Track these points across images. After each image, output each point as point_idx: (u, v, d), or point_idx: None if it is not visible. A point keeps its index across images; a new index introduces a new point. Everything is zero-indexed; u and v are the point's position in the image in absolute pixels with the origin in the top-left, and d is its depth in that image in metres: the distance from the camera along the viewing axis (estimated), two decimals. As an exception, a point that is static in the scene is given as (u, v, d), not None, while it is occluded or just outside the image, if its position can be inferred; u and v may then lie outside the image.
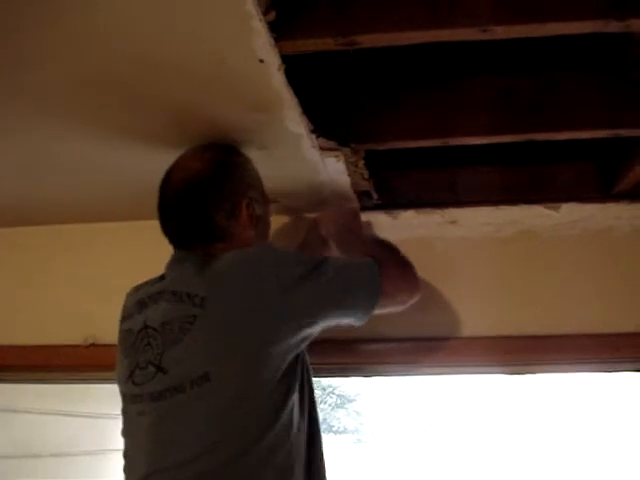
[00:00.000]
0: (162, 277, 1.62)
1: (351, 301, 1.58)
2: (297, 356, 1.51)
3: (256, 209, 1.65)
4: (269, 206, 1.77)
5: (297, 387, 1.50)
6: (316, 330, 1.54)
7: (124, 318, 1.65)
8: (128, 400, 1.56)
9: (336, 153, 1.76)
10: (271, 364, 1.43)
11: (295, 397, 1.49)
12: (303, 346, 1.53)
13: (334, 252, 1.93)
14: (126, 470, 1.53)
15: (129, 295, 1.68)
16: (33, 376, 2.43)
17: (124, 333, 1.62)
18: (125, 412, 1.57)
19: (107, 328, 2.17)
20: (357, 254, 1.74)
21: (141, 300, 1.60)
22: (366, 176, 1.93)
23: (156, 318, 1.52)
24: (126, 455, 1.55)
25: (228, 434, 1.40)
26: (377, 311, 1.63)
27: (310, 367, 1.63)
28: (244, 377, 1.42)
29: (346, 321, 1.62)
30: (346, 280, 1.57)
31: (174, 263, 1.62)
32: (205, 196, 1.59)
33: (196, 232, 1.59)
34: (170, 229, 1.62)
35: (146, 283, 1.65)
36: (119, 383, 1.60)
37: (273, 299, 1.45)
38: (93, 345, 2.20)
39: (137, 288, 1.67)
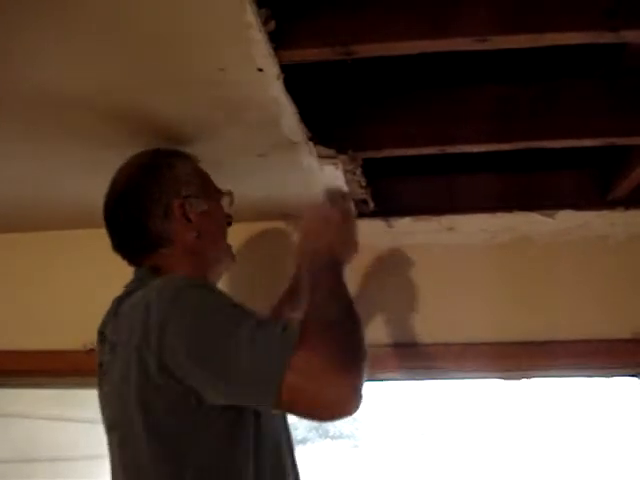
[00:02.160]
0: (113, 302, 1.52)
1: (229, 380, 1.22)
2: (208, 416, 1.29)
3: (194, 206, 1.54)
4: (219, 201, 1.65)
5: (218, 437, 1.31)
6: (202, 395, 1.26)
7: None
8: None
9: (334, 161, 1.76)
10: (160, 420, 1.29)
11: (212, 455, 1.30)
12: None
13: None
14: None
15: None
16: (32, 381, 2.43)
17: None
18: None
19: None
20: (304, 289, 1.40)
21: (98, 336, 1.55)
22: (363, 184, 1.94)
23: (99, 359, 1.50)
24: None
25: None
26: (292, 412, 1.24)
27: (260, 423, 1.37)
28: (142, 429, 1.29)
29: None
30: (245, 354, 1.19)
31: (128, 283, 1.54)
32: (133, 204, 1.52)
33: (134, 243, 1.54)
34: (114, 243, 1.58)
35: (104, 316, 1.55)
36: None
37: (145, 351, 1.28)
38: (92, 350, 2.19)
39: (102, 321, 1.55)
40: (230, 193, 1.69)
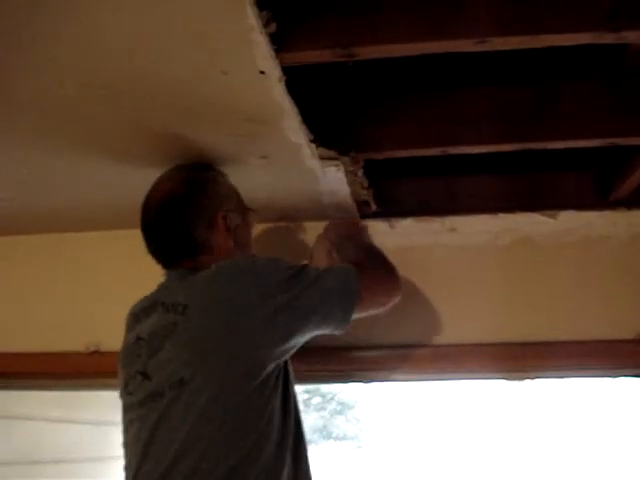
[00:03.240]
0: (155, 291, 1.68)
1: (328, 308, 1.59)
2: (278, 366, 1.53)
3: (233, 219, 1.71)
4: (248, 215, 1.81)
5: (278, 396, 1.52)
6: (296, 340, 1.55)
7: (125, 334, 1.71)
8: (124, 410, 1.62)
9: (336, 162, 1.77)
10: (247, 372, 1.46)
11: (276, 406, 1.51)
12: (285, 356, 1.55)
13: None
14: None
15: (129, 312, 1.73)
16: (36, 383, 2.44)
17: (122, 348, 1.69)
18: (122, 422, 1.62)
19: (110, 335, 2.19)
20: (347, 260, 1.76)
21: (136, 315, 1.68)
22: (365, 185, 1.95)
23: (146, 330, 1.59)
24: (125, 466, 1.59)
25: (204, 437, 1.43)
26: (357, 315, 1.65)
27: (293, 377, 1.64)
28: (219, 382, 1.45)
29: (326, 329, 1.63)
30: (323, 288, 1.58)
31: (165, 278, 1.69)
32: (181, 213, 1.66)
33: (178, 248, 1.67)
34: (154, 249, 1.70)
35: (143, 298, 1.70)
36: (119, 396, 1.66)
37: (250, 307, 1.49)
38: (96, 352, 2.21)
39: (136, 304, 1.71)
40: (256, 210, 1.85)
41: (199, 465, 1.42)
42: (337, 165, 1.78)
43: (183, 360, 1.49)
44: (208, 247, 1.66)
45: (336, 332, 1.64)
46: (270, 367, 1.49)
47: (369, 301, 1.68)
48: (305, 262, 1.75)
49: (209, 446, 1.43)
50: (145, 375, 1.54)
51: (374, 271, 1.75)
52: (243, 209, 1.79)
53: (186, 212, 1.66)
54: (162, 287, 1.67)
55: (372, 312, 1.73)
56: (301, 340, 1.57)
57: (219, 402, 1.44)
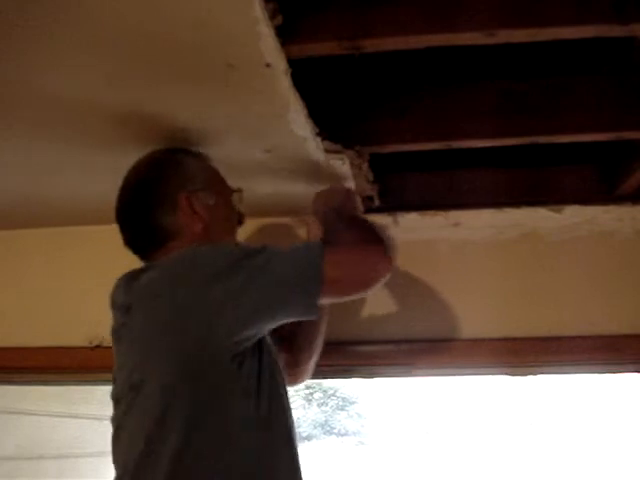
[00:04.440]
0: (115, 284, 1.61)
1: (283, 294, 1.43)
2: (237, 359, 1.39)
3: (201, 200, 1.59)
4: (228, 196, 1.70)
5: (245, 392, 1.41)
6: (250, 331, 1.41)
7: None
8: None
9: (341, 156, 1.77)
10: (196, 370, 1.38)
11: (239, 406, 1.40)
12: (242, 347, 1.40)
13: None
14: None
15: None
16: (38, 377, 2.43)
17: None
18: None
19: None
20: (326, 235, 1.63)
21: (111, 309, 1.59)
22: (370, 179, 1.94)
23: (111, 330, 1.55)
24: None
25: (163, 438, 1.36)
26: (331, 299, 1.53)
27: (270, 367, 1.49)
28: (169, 382, 1.38)
29: (291, 316, 1.49)
30: (275, 271, 1.42)
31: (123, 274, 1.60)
32: (141, 199, 1.59)
33: (144, 236, 1.60)
34: (125, 239, 1.63)
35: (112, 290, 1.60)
36: None
37: (190, 302, 1.39)
38: (98, 347, 2.20)
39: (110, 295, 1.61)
40: (240, 190, 1.73)
41: (152, 468, 1.37)
42: (342, 159, 1.78)
43: (133, 363, 1.44)
44: (174, 233, 1.56)
45: (309, 318, 1.51)
46: (222, 365, 1.38)
47: (338, 281, 1.48)
48: (264, 244, 1.50)
49: (164, 449, 1.36)
50: (114, 379, 1.51)
51: (349, 245, 1.55)
52: (219, 190, 1.67)
53: (145, 197, 1.59)
54: (116, 284, 1.58)
55: (354, 294, 1.57)
56: (260, 330, 1.44)
57: (172, 405, 1.37)
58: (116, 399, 1.49)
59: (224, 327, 1.38)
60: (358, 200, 1.94)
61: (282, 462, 1.46)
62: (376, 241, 1.58)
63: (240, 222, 1.73)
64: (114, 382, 1.51)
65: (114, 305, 1.55)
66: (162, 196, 1.58)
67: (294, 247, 1.50)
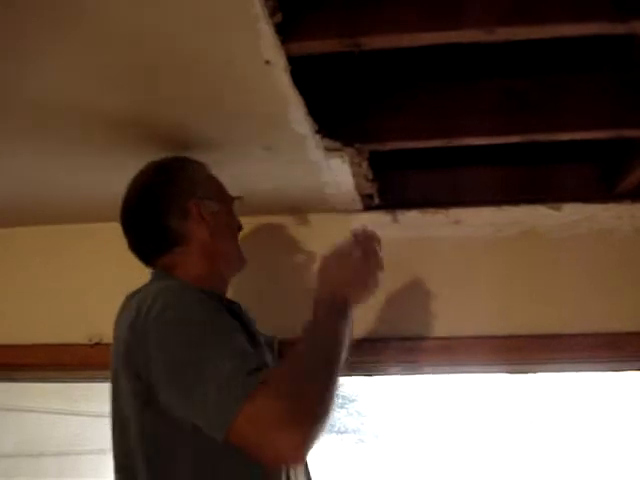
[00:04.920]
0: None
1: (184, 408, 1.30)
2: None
3: (207, 207, 1.62)
4: (230, 204, 1.72)
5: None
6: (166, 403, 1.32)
7: None
8: None
9: (340, 154, 1.77)
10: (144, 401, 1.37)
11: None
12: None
13: None
14: None
15: None
16: (39, 375, 2.45)
17: None
18: None
19: (112, 327, 2.20)
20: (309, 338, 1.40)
21: None
22: (370, 177, 1.94)
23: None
24: None
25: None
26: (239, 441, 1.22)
27: None
28: (134, 415, 1.39)
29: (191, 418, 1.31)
30: (190, 378, 1.27)
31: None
32: (150, 205, 1.61)
33: (151, 242, 1.62)
34: (130, 243, 1.65)
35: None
36: None
37: (133, 348, 1.39)
38: (98, 344, 2.21)
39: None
40: (240, 198, 1.75)
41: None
42: (342, 156, 1.78)
43: (116, 391, 1.47)
44: (182, 238, 1.59)
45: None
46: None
47: (246, 439, 1.21)
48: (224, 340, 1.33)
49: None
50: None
51: (287, 409, 1.21)
52: (222, 198, 1.70)
53: (155, 203, 1.61)
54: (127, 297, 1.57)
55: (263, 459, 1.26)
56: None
57: (142, 435, 1.38)
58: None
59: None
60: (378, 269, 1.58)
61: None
62: (317, 416, 1.24)
63: (239, 229, 1.76)
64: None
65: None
66: (172, 202, 1.60)
67: (233, 370, 1.25)
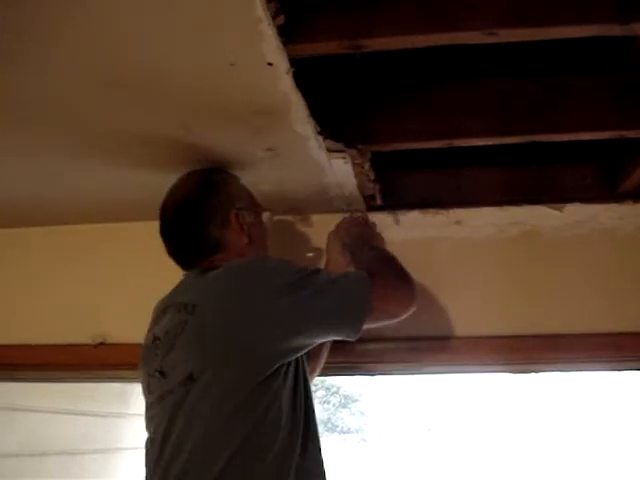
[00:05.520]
0: (172, 291, 1.73)
1: (337, 315, 1.60)
2: (285, 364, 1.54)
3: (246, 217, 1.75)
4: (261, 214, 1.86)
5: (287, 392, 1.53)
6: (305, 342, 1.57)
7: (146, 334, 1.74)
8: (146, 408, 1.65)
9: (343, 155, 1.77)
10: (252, 369, 1.49)
11: (285, 401, 1.52)
12: (291, 356, 1.55)
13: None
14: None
15: (153, 310, 1.77)
16: (42, 375, 2.45)
17: (142, 348, 1.72)
18: (145, 420, 1.66)
19: (116, 327, 2.21)
20: (360, 266, 1.78)
21: (156, 315, 1.72)
22: (372, 177, 1.95)
23: (162, 329, 1.64)
24: (145, 463, 1.61)
25: (213, 433, 1.47)
26: (368, 325, 1.63)
27: (305, 374, 1.65)
28: (226, 378, 1.49)
29: (335, 335, 1.65)
30: (333, 295, 1.59)
31: (182, 279, 1.74)
32: (195, 215, 1.72)
33: (193, 247, 1.72)
34: (172, 249, 1.76)
35: (164, 298, 1.74)
36: (142, 395, 1.69)
37: (256, 306, 1.52)
38: (102, 344, 2.21)
39: (157, 305, 1.75)
40: (271, 210, 1.93)
41: (202, 462, 1.46)
42: (344, 157, 1.78)
43: (192, 357, 1.53)
44: (222, 245, 1.70)
45: (349, 339, 1.64)
46: (275, 365, 1.51)
47: (381, 311, 1.67)
48: (318, 267, 1.77)
49: (214, 444, 1.46)
50: (162, 373, 1.58)
51: (388, 281, 1.75)
52: (256, 208, 1.84)
53: (199, 214, 1.72)
54: (178, 288, 1.71)
55: (384, 322, 1.72)
56: (308, 342, 1.58)
57: (226, 398, 1.48)
58: (166, 391, 1.55)
59: (280, 336, 1.51)
60: (375, 228, 2.13)
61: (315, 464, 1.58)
62: (407, 280, 1.79)
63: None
64: (161, 376, 1.58)
65: (173, 305, 1.65)
66: (215, 213, 1.72)
67: (347, 275, 1.67)
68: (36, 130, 1.62)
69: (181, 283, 1.72)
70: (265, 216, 1.89)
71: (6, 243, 2.41)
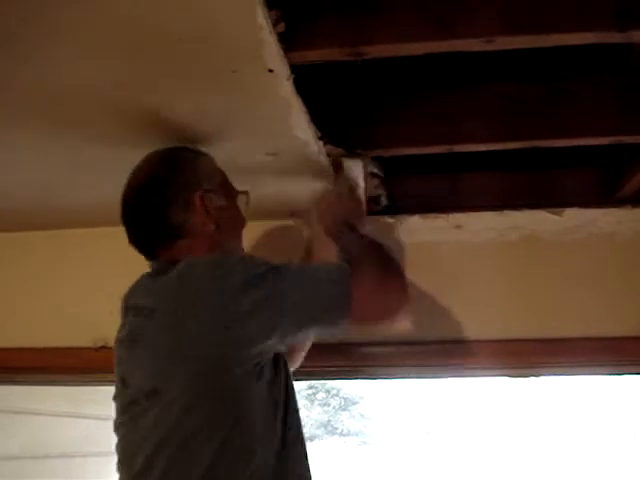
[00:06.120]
0: (131, 288, 1.61)
1: (311, 312, 1.48)
2: (258, 364, 1.42)
3: (213, 200, 1.58)
4: (235, 197, 1.69)
5: (261, 399, 1.43)
6: (274, 341, 1.43)
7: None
8: (115, 414, 1.55)
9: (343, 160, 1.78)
10: (220, 373, 1.39)
11: (258, 410, 1.42)
12: (264, 355, 1.43)
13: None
14: None
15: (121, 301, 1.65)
16: (44, 378, 2.45)
17: (114, 342, 1.61)
18: (113, 426, 1.56)
19: (116, 331, 2.21)
20: (346, 258, 1.61)
21: (122, 310, 1.61)
22: (378, 181, 1.95)
23: (124, 332, 1.54)
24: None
25: (178, 447, 1.38)
26: (354, 324, 1.52)
27: (290, 379, 1.55)
28: (190, 390, 1.39)
29: (313, 331, 1.57)
30: (307, 290, 1.47)
31: (144, 275, 1.61)
32: (154, 195, 1.56)
33: (153, 233, 1.57)
34: (132, 236, 1.60)
35: (127, 292, 1.62)
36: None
37: (220, 306, 1.39)
38: (103, 347, 2.22)
39: (123, 297, 1.63)
40: (246, 193, 1.72)
41: (180, 476, 1.38)
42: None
43: (155, 367, 1.44)
44: (185, 230, 1.55)
45: (329, 335, 1.58)
46: (247, 366, 1.40)
47: (363, 311, 1.51)
48: (289, 261, 1.59)
49: (178, 458, 1.38)
50: (124, 381, 1.50)
51: (376, 280, 1.56)
52: (228, 192, 1.67)
53: (160, 194, 1.56)
54: (140, 285, 1.58)
55: (370, 323, 1.62)
56: (284, 340, 1.48)
57: (194, 409, 1.38)
58: (129, 402, 1.48)
59: (248, 336, 1.39)
60: (363, 202, 1.92)
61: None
62: (397, 275, 1.66)
63: (243, 224, 1.73)
64: (123, 385, 1.50)
65: (131, 306, 1.55)
66: (177, 193, 1.56)
67: (324, 267, 1.57)
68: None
69: (142, 279, 1.58)
70: (240, 199, 1.70)
71: (7, 246, 2.42)
